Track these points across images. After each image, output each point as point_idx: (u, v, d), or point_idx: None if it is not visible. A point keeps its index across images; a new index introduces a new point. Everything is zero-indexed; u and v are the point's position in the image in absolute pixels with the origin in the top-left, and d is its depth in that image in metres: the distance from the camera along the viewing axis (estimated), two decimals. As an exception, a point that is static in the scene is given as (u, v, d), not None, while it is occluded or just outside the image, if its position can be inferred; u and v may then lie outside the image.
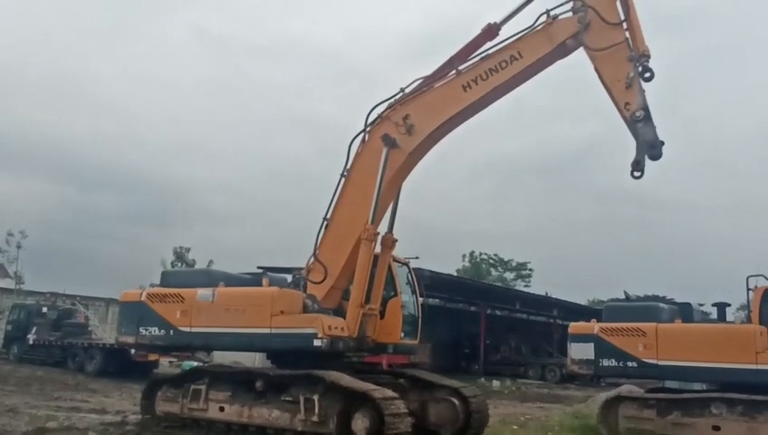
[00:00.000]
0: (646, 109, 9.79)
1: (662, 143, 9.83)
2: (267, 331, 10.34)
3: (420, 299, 12.76)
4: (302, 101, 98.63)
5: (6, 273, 58.29)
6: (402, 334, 11.88)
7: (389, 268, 11.71)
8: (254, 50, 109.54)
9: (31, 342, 28.07)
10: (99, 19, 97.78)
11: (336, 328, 10.45)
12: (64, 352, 26.71)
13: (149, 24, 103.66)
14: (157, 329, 11.33)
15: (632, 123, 9.85)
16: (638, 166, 9.92)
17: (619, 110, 10.05)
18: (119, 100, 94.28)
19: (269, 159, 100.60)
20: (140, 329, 11.47)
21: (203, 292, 11.07)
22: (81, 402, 15.87)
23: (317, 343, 10.15)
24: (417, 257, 12.69)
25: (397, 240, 11.90)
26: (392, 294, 11.81)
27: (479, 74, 10.67)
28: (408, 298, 12.33)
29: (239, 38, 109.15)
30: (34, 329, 28.44)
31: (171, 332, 11.19)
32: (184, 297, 11.25)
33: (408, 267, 12.63)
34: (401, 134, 11.04)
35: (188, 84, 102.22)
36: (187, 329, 11.06)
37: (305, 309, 10.64)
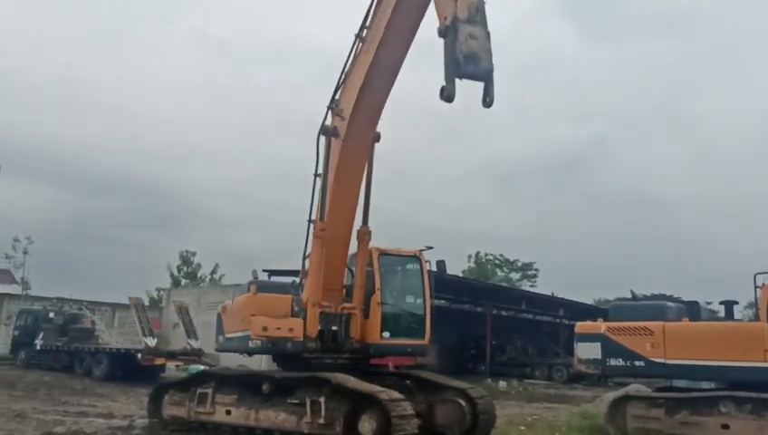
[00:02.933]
0: (455, 20, 7.99)
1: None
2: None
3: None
4: (303, 103, 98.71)
5: (13, 278, 58.48)
6: (387, 334, 11.18)
7: (370, 263, 11.31)
8: (255, 53, 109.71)
9: (38, 347, 28.18)
10: (101, 25, 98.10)
11: (279, 329, 10.58)
12: (71, 356, 26.80)
13: (150, 29, 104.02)
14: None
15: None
16: (442, 92, 7.89)
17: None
18: (122, 104, 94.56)
19: (271, 162, 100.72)
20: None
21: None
22: (88, 407, 15.88)
23: (251, 344, 10.63)
24: (431, 247, 12.37)
25: (370, 231, 11.36)
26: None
27: (370, 33, 9.95)
28: (405, 294, 11.79)
29: (239, 41, 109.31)
30: (42, 334, 28.54)
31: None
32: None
33: (420, 261, 11.96)
34: (339, 121, 10.69)
35: (190, 88, 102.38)
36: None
37: (292, 312, 10.82)
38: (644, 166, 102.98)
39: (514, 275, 71.24)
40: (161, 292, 48.97)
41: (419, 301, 11.73)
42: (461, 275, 55.61)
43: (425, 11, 9.03)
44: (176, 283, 57.01)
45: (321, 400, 9.85)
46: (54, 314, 30.55)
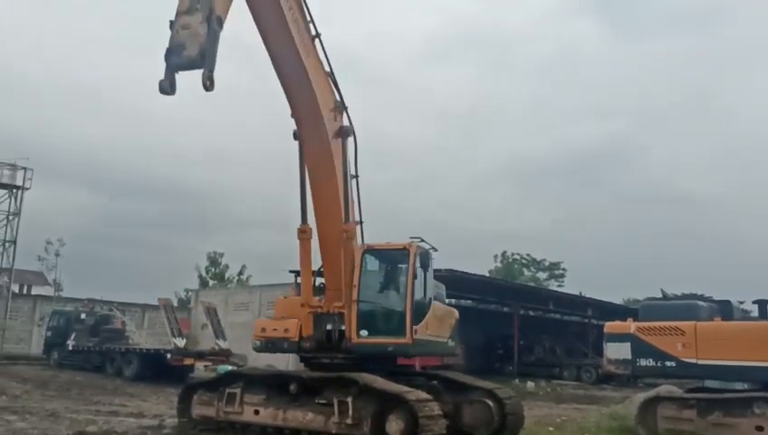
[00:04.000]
0: (176, 13, 8.05)
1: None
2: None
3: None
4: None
5: (46, 280, 59.62)
6: (365, 332, 10.84)
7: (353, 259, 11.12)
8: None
9: (70, 347, 28.68)
10: (129, 27, 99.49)
11: (276, 330, 11.33)
12: (102, 357, 27.23)
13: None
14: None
15: None
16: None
17: None
18: (149, 108, 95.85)
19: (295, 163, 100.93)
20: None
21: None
22: (119, 407, 16.10)
23: (251, 345, 11.73)
24: (435, 249, 11.93)
25: (351, 229, 11.10)
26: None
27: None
28: (389, 290, 11.33)
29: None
30: (73, 335, 29.05)
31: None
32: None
33: (407, 254, 11.21)
34: (296, 124, 10.80)
35: (217, 89, 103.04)
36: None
37: None
38: (672, 163, 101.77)
39: (542, 275, 70.69)
40: (190, 293, 49.53)
41: (400, 296, 11.06)
42: (488, 274, 55.37)
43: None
44: (204, 284, 57.59)
45: (349, 400, 9.86)
46: (86, 315, 31.08)
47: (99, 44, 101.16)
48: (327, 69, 10.77)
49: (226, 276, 59.66)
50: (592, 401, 23.05)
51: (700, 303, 13.41)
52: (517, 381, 29.34)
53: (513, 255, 70.92)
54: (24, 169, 33.17)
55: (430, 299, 11.56)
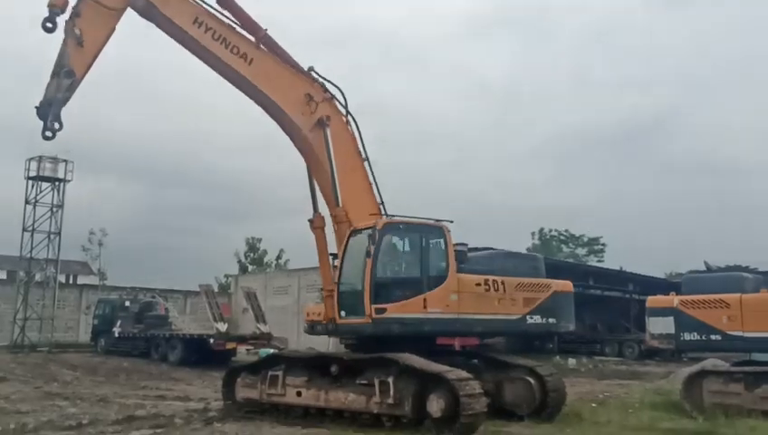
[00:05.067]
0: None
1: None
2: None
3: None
4: (360, 86, 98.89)
5: (91, 270, 61.13)
6: (343, 313, 11.02)
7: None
8: (312, 37, 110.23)
9: (116, 334, 29.39)
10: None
11: (314, 314, 12.02)
12: (147, 343, 27.84)
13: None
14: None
15: None
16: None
17: None
18: (187, 96, 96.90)
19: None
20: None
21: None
22: (165, 391, 16.46)
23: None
24: (451, 221, 11.58)
25: (323, 217, 12.14)
26: None
27: None
28: (361, 271, 10.80)
29: (297, 26, 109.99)
30: (119, 322, 29.75)
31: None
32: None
33: (372, 232, 10.86)
34: None
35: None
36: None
37: None
38: (716, 133, 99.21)
39: (580, 251, 69.83)
40: (230, 278, 50.27)
41: (362, 276, 10.80)
42: (525, 252, 54.89)
43: None
44: (243, 269, 58.36)
45: (390, 380, 9.91)
46: (130, 302, 31.77)
47: (139, 32, 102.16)
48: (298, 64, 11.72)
49: (265, 261, 60.40)
50: (635, 376, 22.80)
51: (745, 274, 13.14)
52: (558, 358, 29.15)
53: (551, 231, 70.22)
54: (66, 161, 33.79)
55: (436, 274, 11.05)
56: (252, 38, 11.21)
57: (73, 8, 10.49)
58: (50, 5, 10.48)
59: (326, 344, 19.12)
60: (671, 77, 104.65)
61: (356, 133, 12.12)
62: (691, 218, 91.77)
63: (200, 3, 11.11)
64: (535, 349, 32.36)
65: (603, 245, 69.43)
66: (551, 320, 12.13)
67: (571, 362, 28.34)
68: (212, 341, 24.65)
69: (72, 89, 10.53)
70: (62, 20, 10.48)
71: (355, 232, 11.34)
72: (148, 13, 10.97)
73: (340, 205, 11.63)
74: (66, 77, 10.30)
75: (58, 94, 10.36)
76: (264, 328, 25.59)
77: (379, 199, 12.03)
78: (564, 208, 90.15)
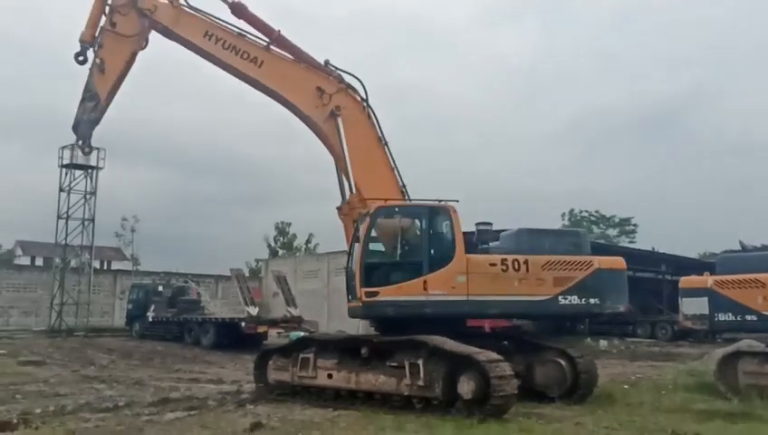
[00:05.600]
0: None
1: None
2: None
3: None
4: (381, 70, 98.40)
5: (124, 256, 62.23)
6: (349, 297, 11.53)
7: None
8: (334, 22, 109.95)
9: (150, 319, 29.88)
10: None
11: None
12: (181, 327, 28.26)
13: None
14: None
15: None
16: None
17: None
18: (214, 84, 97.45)
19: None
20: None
21: None
22: (199, 374, 16.71)
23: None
24: (456, 201, 11.38)
25: (348, 204, 12.21)
26: None
27: None
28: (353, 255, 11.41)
29: (323, 12, 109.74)
30: (153, 307, 30.24)
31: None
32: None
33: (366, 216, 11.31)
34: None
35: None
36: None
37: None
38: (747, 112, 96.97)
39: (612, 232, 69.08)
40: (260, 263, 50.78)
41: (355, 260, 11.29)
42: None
43: None
44: (273, 253, 58.90)
45: (420, 362, 9.93)
46: (163, 287, 32.26)
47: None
48: (313, 59, 12.18)
49: (294, 245, 60.83)
50: (668, 357, 22.56)
51: (782, 254, 12.87)
52: (589, 340, 28.94)
53: (581, 212, 69.52)
54: (98, 149, 34.30)
55: (439, 256, 10.96)
56: (262, 42, 12.00)
57: (98, 40, 12.36)
58: (80, 41, 12.40)
59: (356, 327, 19.20)
60: (701, 57, 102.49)
61: (374, 120, 12.21)
62: (724, 199, 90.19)
63: (209, 17, 12.22)
64: (566, 331, 32.22)
65: (635, 225, 68.66)
66: (593, 300, 11.22)
67: (603, 343, 28.12)
68: (243, 324, 24.94)
69: (97, 110, 12.38)
70: (91, 53, 12.51)
71: (362, 217, 11.46)
72: (163, 32, 12.48)
73: (354, 191, 11.86)
74: (90, 100, 12.28)
75: (84, 116, 12.36)
76: (294, 311, 25.81)
77: (401, 183, 12.01)
78: (594, 192, 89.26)
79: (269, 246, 61.27)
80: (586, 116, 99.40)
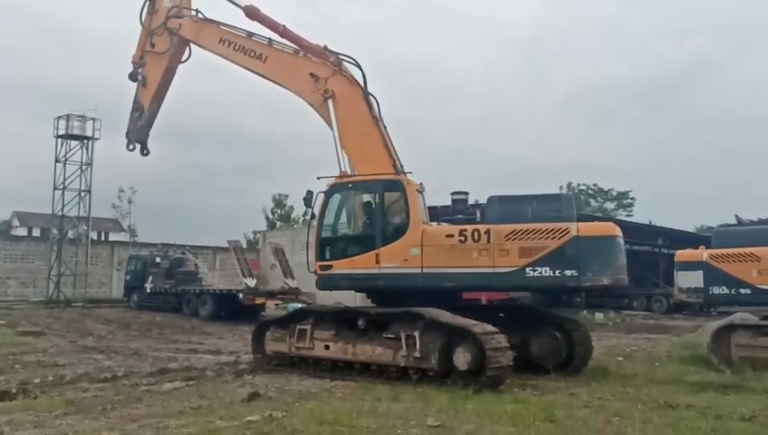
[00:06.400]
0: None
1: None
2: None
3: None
4: (387, 42, 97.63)
5: (121, 227, 62.24)
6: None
7: None
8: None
9: (148, 290, 30.00)
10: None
11: None
12: (179, 298, 28.43)
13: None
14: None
15: None
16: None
17: None
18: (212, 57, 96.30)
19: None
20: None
21: None
22: (197, 345, 16.85)
23: None
24: (410, 172, 11.82)
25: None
26: None
27: None
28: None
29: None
30: (150, 278, 30.32)
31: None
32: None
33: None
34: None
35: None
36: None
37: None
38: (749, 83, 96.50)
39: (609, 205, 69.33)
40: (258, 234, 50.87)
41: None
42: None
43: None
44: (271, 225, 58.97)
45: (416, 334, 10.02)
46: (161, 258, 32.30)
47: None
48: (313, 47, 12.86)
49: (292, 217, 60.89)
50: (663, 330, 22.80)
51: (777, 228, 12.93)
52: (585, 312, 29.15)
53: (579, 185, 69.61)
54: (93, 119, 34.12)
55: (392, 229, 11.15)
56: (265, 40, 13.36)
57: (143, 60, 14.77)
58: (132, 63, 14.87)
59: (354, 299, 19.32)
60: (704, 28, 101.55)
61: (372, 100, 12.50)
62: (723, 172, 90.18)
63: (222, 25, 13.90)
64: (563, 304, 32.46)
65: (632, 199, 68.99)
66: (569, 272, 10.14)
67: (599, 316, 28.36)
68: (241, 296, 25.10)
69: (143, 118, 14.84)
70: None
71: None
72: (190, 43, 14.61)
73: (343, 169, 11.96)
74: (136, 111, 14.86)
75: (132, 125, 14.96)
76: (291, 283, 25.94)
77: (398, 163, 12.11)
78: (593, 164, 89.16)
79: (267, 217, 61.44)
80: (587, 88, 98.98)
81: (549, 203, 10.97)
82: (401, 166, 12.26)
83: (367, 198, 11.64)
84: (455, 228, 10.96)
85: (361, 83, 12.44)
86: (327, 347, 11.23)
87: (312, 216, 11.78)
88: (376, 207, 11.36)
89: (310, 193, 11.45)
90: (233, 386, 10.27)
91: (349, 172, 11.91)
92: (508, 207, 10.97)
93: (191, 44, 14.61)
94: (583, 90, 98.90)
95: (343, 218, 11.95)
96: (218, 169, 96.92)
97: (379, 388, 9.64)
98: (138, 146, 15.12)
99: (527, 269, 10.28)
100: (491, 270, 10.43)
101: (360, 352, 10.78)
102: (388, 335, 10.44)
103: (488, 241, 10.49)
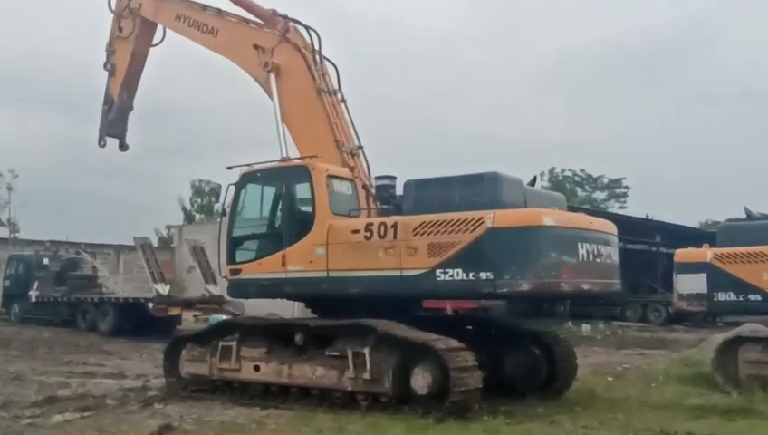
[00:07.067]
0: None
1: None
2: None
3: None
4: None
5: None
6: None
7: None
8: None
9: (33, 299, 29.40)
10: None
11: None
12: (72, 309, 27.94)
13: None
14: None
15: None
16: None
17: None
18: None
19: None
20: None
21: None
22: (95, 366, 16.60)
23: None
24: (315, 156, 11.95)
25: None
26: None
27: None
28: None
29: None
30: (36, 284, 29.69)
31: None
32: None
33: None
34: None
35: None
36: None
37: None
38: (756, 53, 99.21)
39: (599, 195, 70.67)
40: (172, 230, 50.24)
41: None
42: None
43: None
44: (189, 218, 58.35)
45: (366, 351, 10.03)
46: (49, 259, 31.67)
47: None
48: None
49: (215, 209, 60.24)
50: (661, 344, 23.35)
51: (793, 223, 13.32)
52: (570, 323, 29.72)
53: (563, 171, 70.72)
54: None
55: (299, 225, 11.31)
56: (215, 10, 14.08)
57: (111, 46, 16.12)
58: (106, 49, 16.18)
59: (291, 310, 19.27)
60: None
61: (323, 71, 12.93)
62: (732, 157, 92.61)
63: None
64: (543, 314, 32.98)
65: (626, 188, 70.35)
66: (484, 275, 9.61)
67: (585, 328, 28.92)
68: (151, 306, 24.73)
69: (113, 110, 16.18)
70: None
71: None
72: (153, 23, 15.66)
73: (285, 154, 12.16)
74: (105, 103, 16.28)
75: (102, 120, 16.38)
76: (214, 290, 25.65)
77: (343, 142, 12.32)
78: (579, 145, 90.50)
79: (183, 208, 60.76)
80: (571, 55, 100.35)
81: (470, 186, 10.47)
82: (356, 146, 12.36)
83: (273, 189, 11.84)
84: (361, 222, 10.84)
85: (311, 52, 12.80)
86: (257, 368, 11.20)
87: (224, 212, 12.16)
88: (282, 199, 11.60)
89: (218, 186, 11.87)
90: (139, 417, 10.16)
91: (290, 156, 12.03)
92: (425, 194, 10.70)
93: (151, 24, 15.73)
94: (567, 58, 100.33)
95: (254, 214, 12.10)
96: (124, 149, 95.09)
97: (321, 417, 9.67)
98: (108, 141, 16.59)
99: (437, 272, 9.91)
100: (398, 273, 10.22)
101: (297, 374, 10.78)
102: (332, 353, 10.44)
103: (394, 237, 10.27)
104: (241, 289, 12.09)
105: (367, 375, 10.01)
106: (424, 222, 10.09)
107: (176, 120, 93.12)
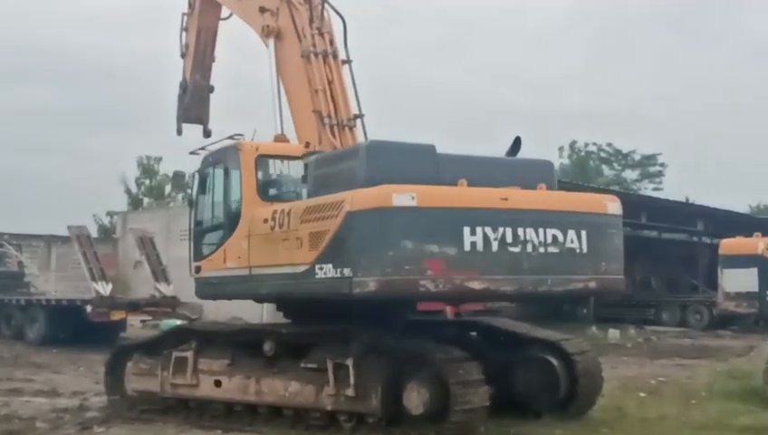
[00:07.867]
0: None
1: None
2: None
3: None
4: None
5: None
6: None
7: None
8: None
9: (-56, 301, 29.21)
10: None
11: None
12: (-6, 313, 27.76)
13: None
14: None
15: None
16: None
17: None
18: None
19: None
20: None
21: None
22: (22, 382, 16.54)
23: None
24: (241, 135, 12.42)
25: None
26: None
27: None
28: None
29: None
30: (-52, 284, 29.52)
31: None
32: None
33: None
34: None
35: None
36: None
37: None
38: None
39: (630, 174, 70.79)
40: (114, 217, 50.07)
41: None
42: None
43: None
44: (135, 203, 58.08)
45: (349, 363, 10.01)
46: (-38, 254, 31.50)
47: None
48: None
49: (167, 192, 60.00)
50: (703, 353, 23.39)
51: None
52: (594, 328, 29.78)
53: (586, 146, 70.76)
54: None
55: (234, 215, 11.67)
56: None
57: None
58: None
59: (259, 313, 19.29)
60: None
61: (329, 28, 13.31)
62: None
63: None
64: (564, 316, 33.07)
65: (662, 165, 70.53)
66: (346, 271, 9.31)
67: (613, 333, 28.97)
68: (90, 309, 24.62)
69: (188, 94, 16.70)
70: None
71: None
72: None
73: (281, 131, 12.73)
74: (180, 88, 16.92)
75: (178, 108, 16.99)
76: (166, 290, 25.61)
77: (328, 117, 12.38)
78: (606, 114, 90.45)
79: (128, 191, 60.41)
80: (594, 8, 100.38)
81: (346, 161, 10.43)
82: (350, 117, 12.60)
83: (221, 173, 12.25)
84: (269, 210, 10.96)
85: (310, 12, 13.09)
86: (218, 384, 11.22)
87: (190, 203, 12.82)
88: (224, 186, 12.11)
89: (181, 173, 12.58)
90: (76, 443, 10.17)
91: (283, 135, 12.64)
92: (322, 173, 10.56)
93: None
94: (587, 6, 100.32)
95: (208, 204, 12.69)
96: (55, 115, 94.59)
97: (296, 442, 9.70)
98: (183, 128, 17.04)
99: (317, 267, 9.73)
100: (290, 270, 10.24)
101: (267, 391, 10.79)
102: (309, 365, 10.44)
103: (288, 226, 10.36)
104: (202, 290, 12.59)
105: (351, 392, 9.97)
106: (307, 207, 10.13)
107: (125, 78, 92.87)
